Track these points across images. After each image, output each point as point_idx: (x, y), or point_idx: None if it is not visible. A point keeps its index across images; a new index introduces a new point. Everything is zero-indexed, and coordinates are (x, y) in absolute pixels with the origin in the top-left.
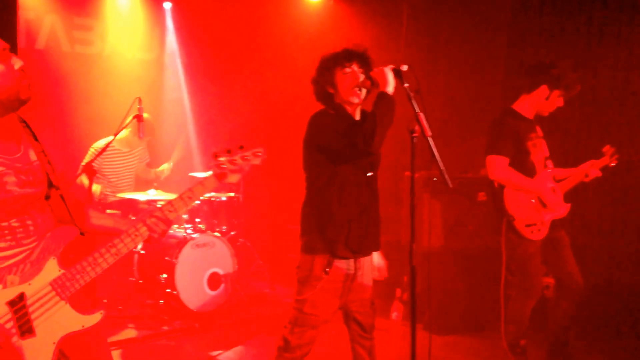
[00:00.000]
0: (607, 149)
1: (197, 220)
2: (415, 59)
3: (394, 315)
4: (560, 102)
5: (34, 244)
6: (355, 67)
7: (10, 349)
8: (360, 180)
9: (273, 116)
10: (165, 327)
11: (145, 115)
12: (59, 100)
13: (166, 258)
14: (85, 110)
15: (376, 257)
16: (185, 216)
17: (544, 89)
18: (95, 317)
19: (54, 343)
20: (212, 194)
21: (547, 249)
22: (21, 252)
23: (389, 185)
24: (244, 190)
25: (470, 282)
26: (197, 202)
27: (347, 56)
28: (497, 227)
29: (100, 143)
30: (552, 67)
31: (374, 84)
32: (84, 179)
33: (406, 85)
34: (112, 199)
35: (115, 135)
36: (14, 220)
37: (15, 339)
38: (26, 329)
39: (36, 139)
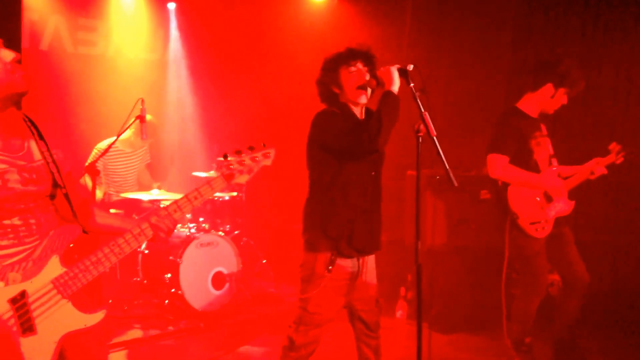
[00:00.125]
0: (614, 146)
1: (201, 219)
2: (419, 59)
3: (398, 313)
4: (564, 100)
5: (37, 242)
6: (360, 65)
7: (11, 347)
8: (364, 179)
9: (277, 116)
10: (171, 327)
11: (148, 116)
12: (62, 100)
13: (170, 257)
14: (88, 110)
15: None
16: (188, 215)
17: (549, 87)
18: (98, 316)
19: (55, 342)
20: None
21: (552, 246)
22: (24, 251)
23: (391, 184)
24: (247, 189)
25: (474, 280)
26: None
27: (352, 55)
28: (500, 225)
29: (103, 144)
30: (558, 65)
31: (379, 83)
32: (87, 179)
33: (412, 84)
34: (115, 198)
35: (118, 136)
36: (16, 218)
37: (16, 336)
38: (27, 326)
39: (41, 138)
